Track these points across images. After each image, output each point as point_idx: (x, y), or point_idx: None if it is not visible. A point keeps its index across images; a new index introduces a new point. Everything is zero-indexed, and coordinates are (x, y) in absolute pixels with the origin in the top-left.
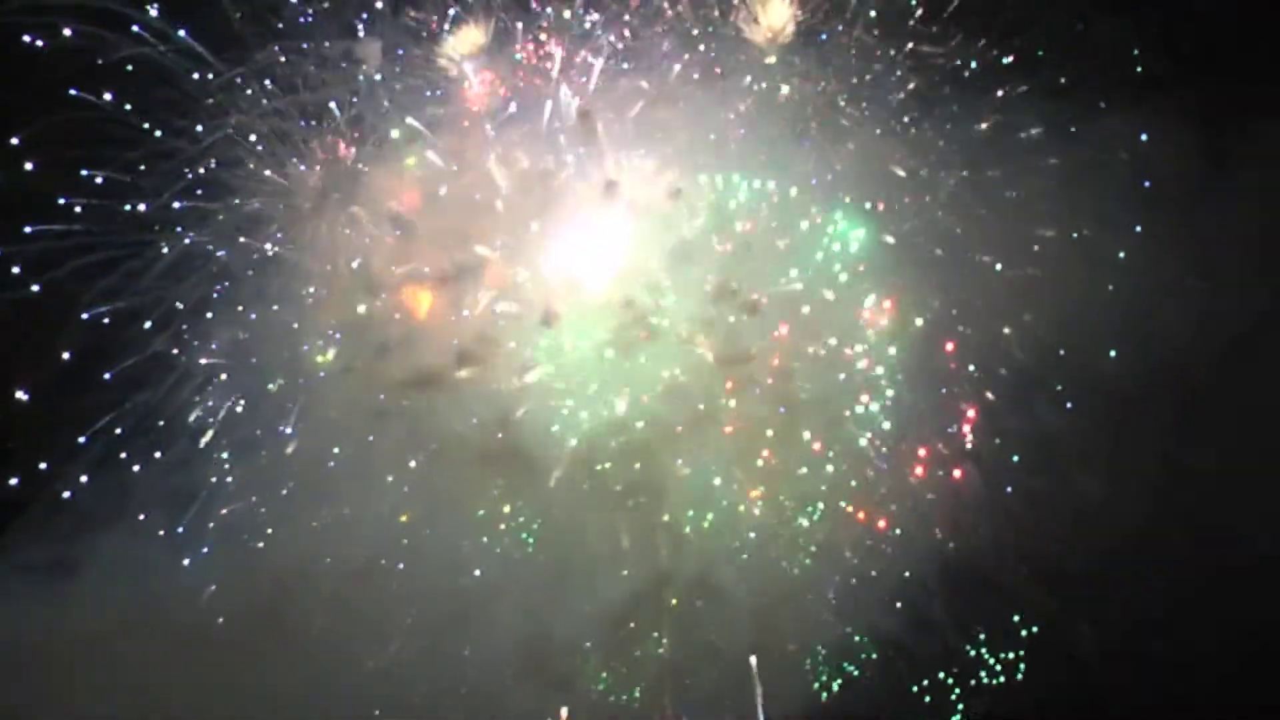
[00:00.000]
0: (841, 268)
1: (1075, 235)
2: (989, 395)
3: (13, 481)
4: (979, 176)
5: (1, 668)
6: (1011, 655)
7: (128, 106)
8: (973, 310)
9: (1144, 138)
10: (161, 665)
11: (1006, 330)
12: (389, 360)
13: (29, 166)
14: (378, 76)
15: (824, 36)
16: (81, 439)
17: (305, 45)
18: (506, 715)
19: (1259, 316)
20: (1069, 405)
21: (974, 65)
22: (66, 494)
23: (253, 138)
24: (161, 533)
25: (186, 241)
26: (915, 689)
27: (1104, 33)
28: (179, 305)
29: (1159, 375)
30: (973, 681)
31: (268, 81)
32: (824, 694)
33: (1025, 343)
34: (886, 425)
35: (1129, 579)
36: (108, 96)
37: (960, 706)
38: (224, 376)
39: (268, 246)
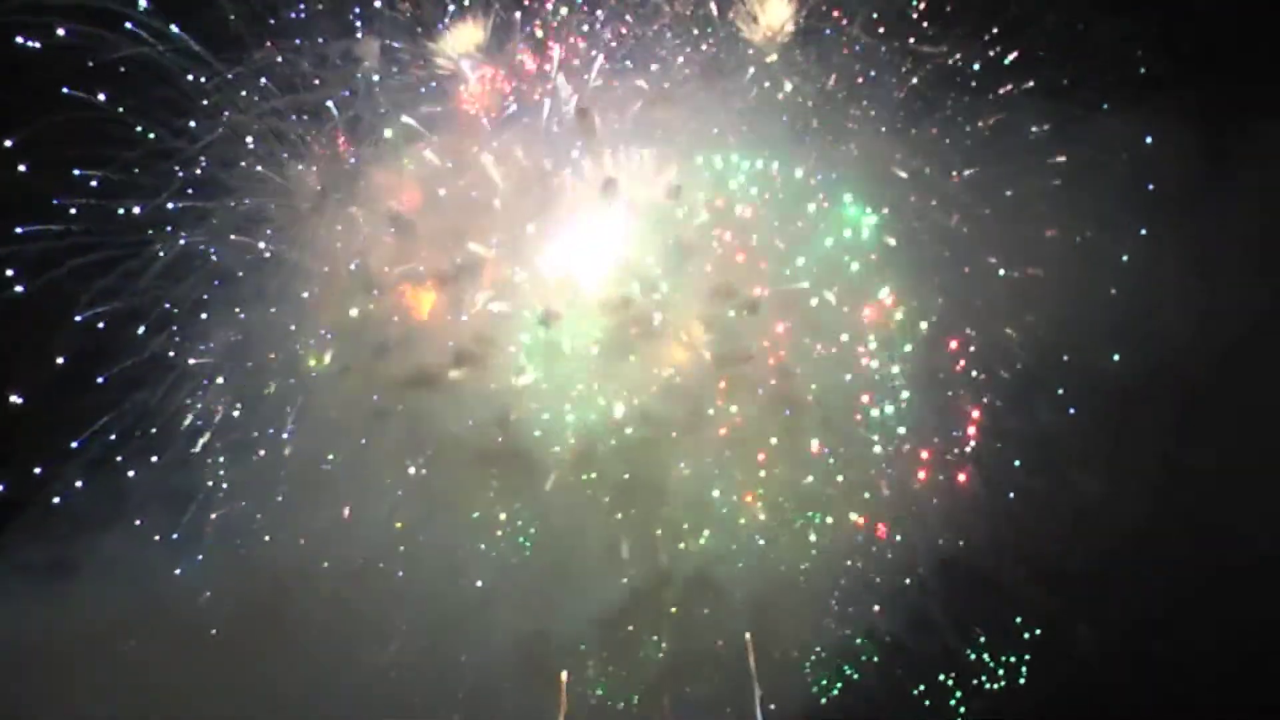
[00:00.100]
0: (842, 268)
1: (1075, 235)
2: (991, 396)
3: (10, 482)
4: (979, 177)
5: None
6: (1013, 658)
7: (120, 110)
8: (974, 311)
9: (1144, 138)
10: (158, 665)
11: (1008, 331)
12: (387, 360)
13: (27, 167)
14: (375, 77)
15: (829, 31)
16: (80, 439)
17: (299, 41)
18: (505, 717)
19: (1259, 316)
20: (1070, 405)
21: (974, 65)
22: (64, 495)
23: (249, 140)
24: (159, 533)
25: (182, 242)
26: (916, 691)
27: (1104, 33)
28: (177, 306)
29: (1159, 375)
30: (974, 682)
31: (264, 80)
32: (823, 698)
33: (1026, 343)
34: (888, 427)
35: (1129, 579)
36: (105, 96)
37: (961, 710)
38: (221, 379)
39: (264, 246)
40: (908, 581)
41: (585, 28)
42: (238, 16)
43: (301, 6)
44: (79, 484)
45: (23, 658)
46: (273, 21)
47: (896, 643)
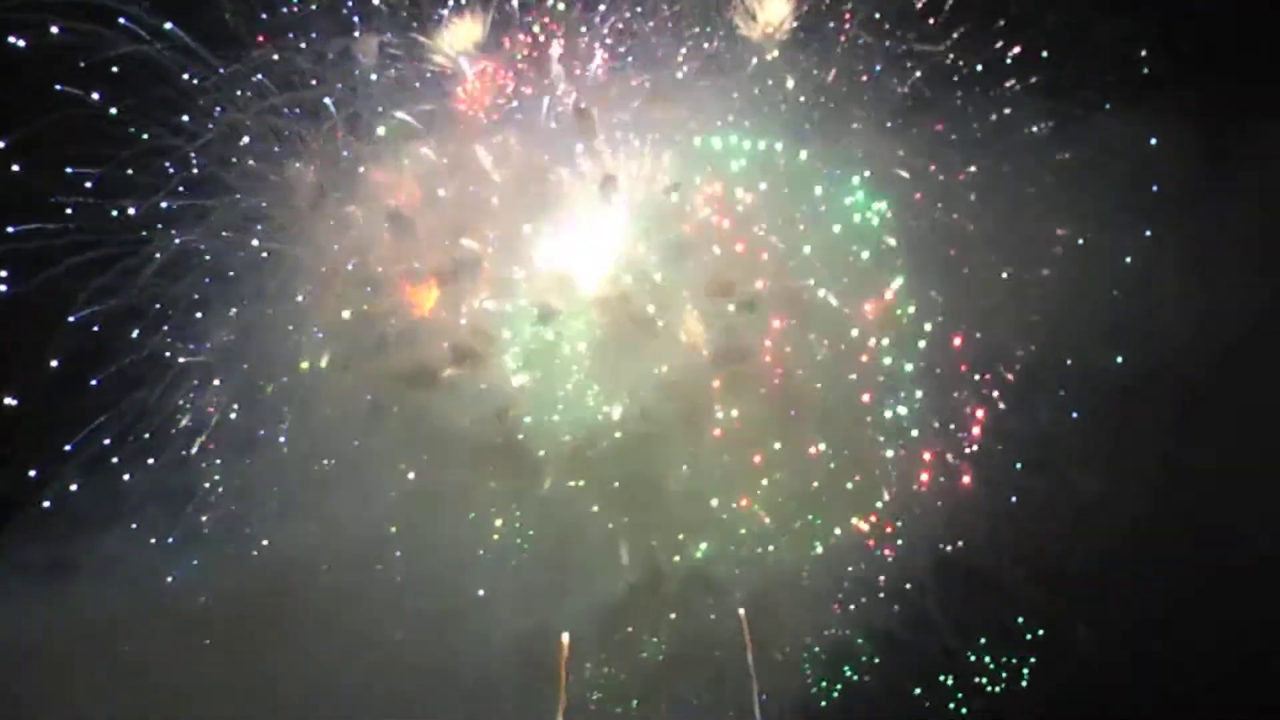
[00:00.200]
0: (845, 264)
1: (1075, 235)
2: (993, 396)
3: (7, 482)
4: (978, 176)
5: None
6: (1014, 659)
7: (116, 108)
8: (976, 310)
9: (1144, 138)
10: (156, 665)
11: (1009, 331)
12: (385, 357)
13: (23, 165)
14: (373, 77)
15: (832, 25)
16: (77, 439)
17: (291, 35)
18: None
19: (1259, 316)
20: (1070, 405)
21: (973, 64)
22: (61, 494)
23: (246, 139)
24: (157, 532)
25: (177, 241)
26: (916, 692)
27: (1104, 33)
28: (174, 304)
29: (1159, 375)
30: (976, 682)
31: (260, 76)
32: (823, 700)
33: (1029, 343)
34: (899, 428)
35: (1130, 579)
36: (101, 94)
37: (963, 711)
38: (218, 377)
39: (262, 244)
40: (909, 583)
41: (584, 29)
42: (235, 14)
43: (298, 4)
44: (76, 483)
45: (20, 657)
46: (265, 17)
47: (897, 643)
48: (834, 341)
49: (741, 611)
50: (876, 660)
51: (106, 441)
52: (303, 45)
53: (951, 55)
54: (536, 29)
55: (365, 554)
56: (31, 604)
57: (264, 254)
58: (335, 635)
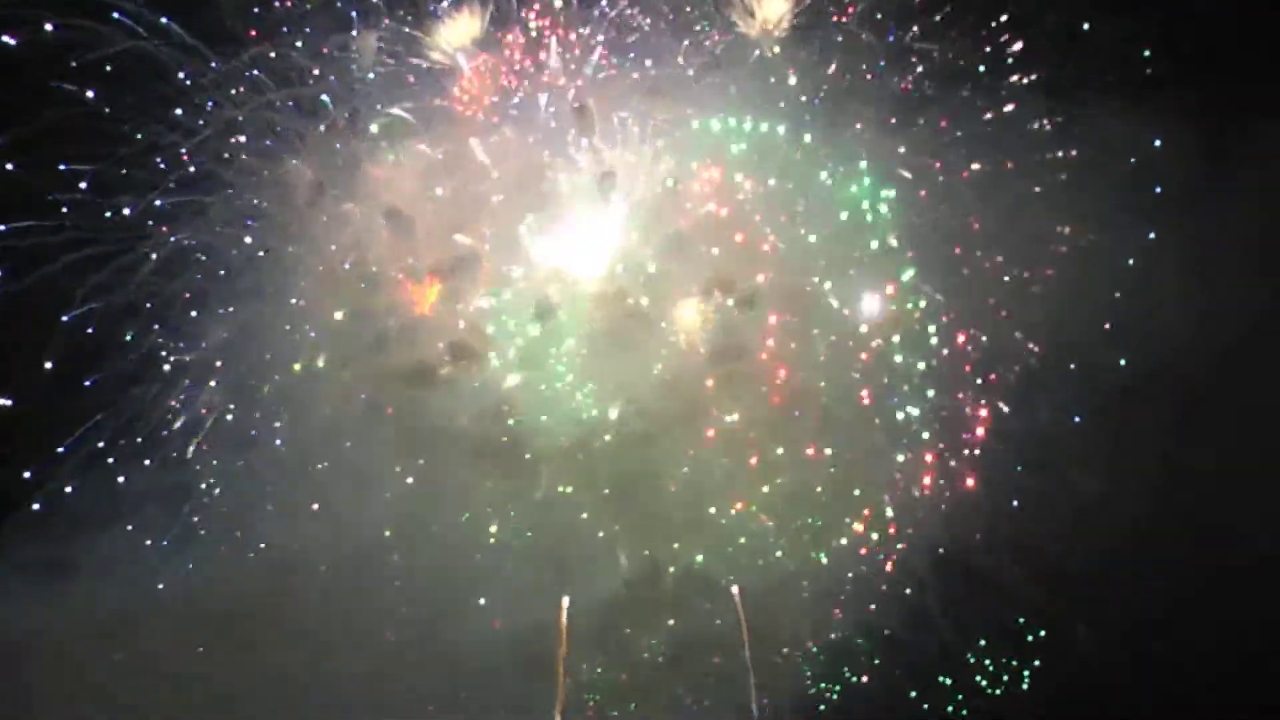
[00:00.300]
0: (843, 265)
1: (1075, 234)
2: (996, 397)
3: (5, 481)
4: (978, 175)
5: None
6: (1015, 661)
7: (113, 105)
8: (978, 310)
9: (1144, 137)
10: (154, 664)
11: (1012, 330)
12: (382, 355)
13: (20, 163)
14: (371, 76)
15: (832, 21)
16: (74, 437)
17: (287, 31)
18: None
19: (1259, 316)
20: (1072, 406)
21: (973, 63)
22: (58, 493)
23: (243, 137)
24: (153, 531)
25: (172, 240)
26: (916, 694)
27: (1104, 32)
28: (171, 302)
29: (1160, 375)
30: (977, 683)
31: (256, 72)
32: (822, 704)
33: (1031, 343)
34: (908, 429)
35: (1133, 580)
36: (97, 91)
37: (964, 713)
38: (215, 375)
39: (259, 241)
40: (911, 584)
41: (582, 26)
42: (232, 11)
43: (294, 1)
44: (73, 482)
45: (15, 656)
46: (259, 12)
47: (897, 645)
48: (837, 340)
49: (735, 590)
50: (876, 661)
51: (102, 441)
52: (298, 44)
53: (950, 54)
54: (534, 25)
55: (363, 553)
56: (26, 603)
57: (261, 252)
58: (332, 635)
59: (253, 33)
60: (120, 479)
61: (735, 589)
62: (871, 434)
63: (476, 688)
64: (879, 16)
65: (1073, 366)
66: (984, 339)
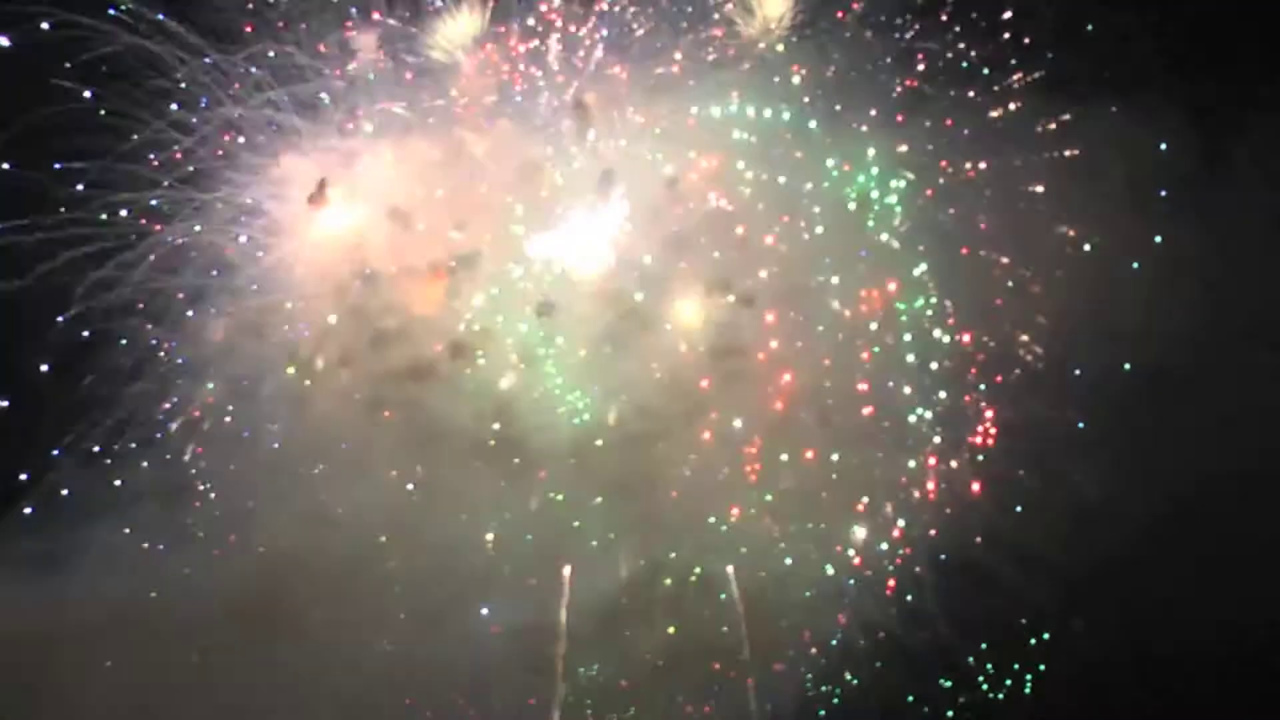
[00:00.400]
0: (847, 264)
1: (1074, 233)
2: (1003, 399)
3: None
4: (979, 173)
5: None
6: (1017, 665)
7: (111, 101)
8: (984, 309)
9: (1144, 136)
10: (152, 664)
11: (1012, 330)
12: (381, 353)
13: (19, 160)
14: (370, 76)
15: (837, 17)
16: (71, 434)
17: (282, 25)
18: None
19: (1260, 316)
20: (1076, 407)
21: (976, 61)
22: (54, 491)
23: (241, 136)
24: (150, 529)
25: (170, 239)
26: (917, 698)
27: (1103, 30)
28: (170, 299)
29: (1161, 375)
30: (979, 687)
31: (254, 69)
32: (822, 708)
33: (1036, 343)
34: (900, 431)
35: (1143, 586)
36: (96, 87)
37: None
38: (213, 372)
39: (257, 240)
40: (913, 588)
41: (584, 26)
42: (230, 6)
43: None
44: (69, 479)
45: (9, 656)
46: (251, 7)
47: (899, 649)
48: (840, 340)
49: (735, 585)
50: (878, 664)
51: (98, 440)
52: (298, 42)
53: (954, 52)
54: (532, 21)
55: (362, 554)
56: (19, 602)
57: (259, 252)
58: (329, 636)
59: (248, 27)
60: (117, 477)
61: (735, 588)
62: (877, 435)
63: (474, 691)
64: (882, 18)
65: (1082, 367)
66: (992, 342)
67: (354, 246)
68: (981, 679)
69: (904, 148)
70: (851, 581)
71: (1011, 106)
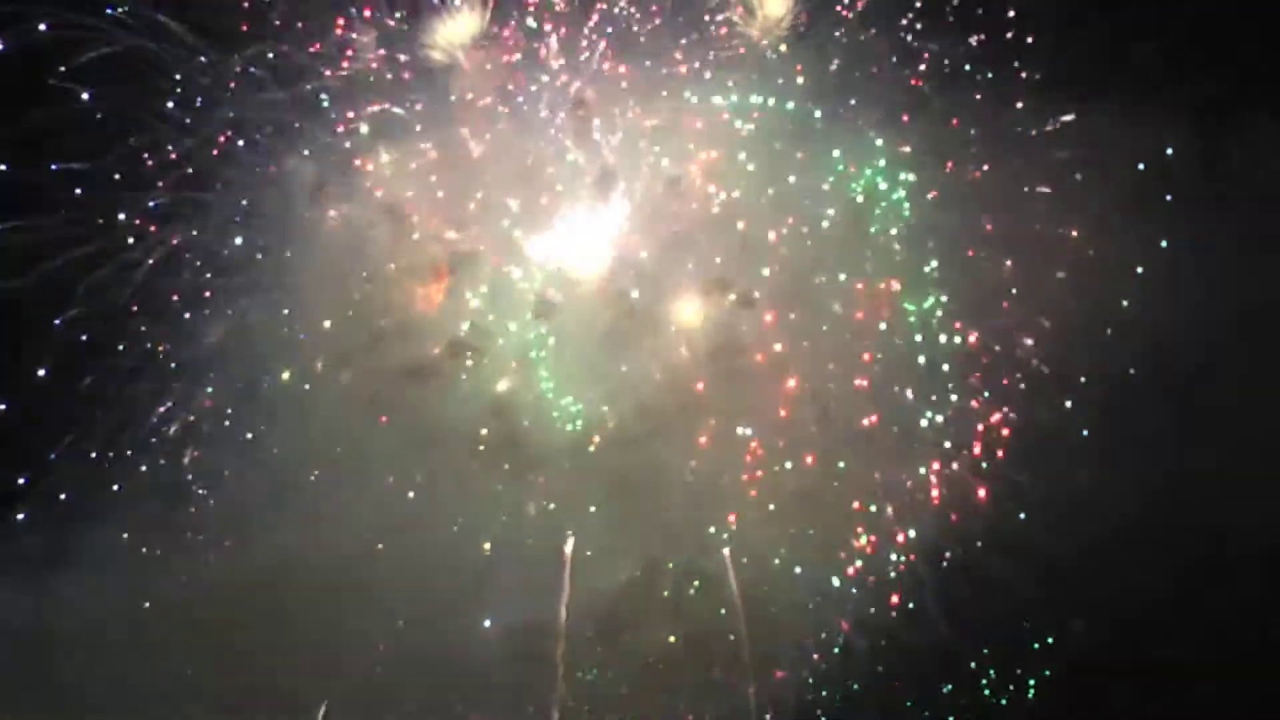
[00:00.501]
0: (848, 267)
1: (1075, 234)
2: (1009, 401)
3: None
4: (977, 174)
5: None
6: (1020, 670)
7: (104, 108)
8: (988, 310)
9: (1144, 136)
10: (150, 664)
11: (1017, 332)
12: (381, 353)
13: (18, 161)
14: (370, 76)
15: (840, 15)
16: (70, 435)
17: (279, 23)
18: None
19: (1259, 317)
20: (1081, 408)
21: (981, 61)
22: (54, 491)
23: (241, 137)
24: (150, 530)
25: (170, 240)
26: (917, 702)
27: (1103, 30)
28: (169, 300)
29: (1162, 376)
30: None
31: (253, 69)
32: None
33: (1040, 345)
34: (900, 435)
35: (1153, 595)
36: (96, 88)
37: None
38: (213, 374)
39: (256, 240)
40: (914, 591)
41: (584, 26)
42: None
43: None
44: (69, 480)
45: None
46: (250, 4)
47: (901, 654)
48: (843, 341)
49: (726, 552)
50: (879, 669)
51: (98, 442)
52: (297, 42)
53: (958, 52)
54: (531, 21)
55: (361, 555)
56: (17, 603)
57: (258, 254)
58: (328, 638)
59: (244, 26)
60: (116, 478)
61: (735, 591)
62: (880, 439)
63: (474, 692)
64: (884, 18)
65: (1086, 369)
66: (996, 344)
67: (353, 247)
68: (984, 682)
69: (907, 148)
70: (854, 590)
71: (1017, 107)
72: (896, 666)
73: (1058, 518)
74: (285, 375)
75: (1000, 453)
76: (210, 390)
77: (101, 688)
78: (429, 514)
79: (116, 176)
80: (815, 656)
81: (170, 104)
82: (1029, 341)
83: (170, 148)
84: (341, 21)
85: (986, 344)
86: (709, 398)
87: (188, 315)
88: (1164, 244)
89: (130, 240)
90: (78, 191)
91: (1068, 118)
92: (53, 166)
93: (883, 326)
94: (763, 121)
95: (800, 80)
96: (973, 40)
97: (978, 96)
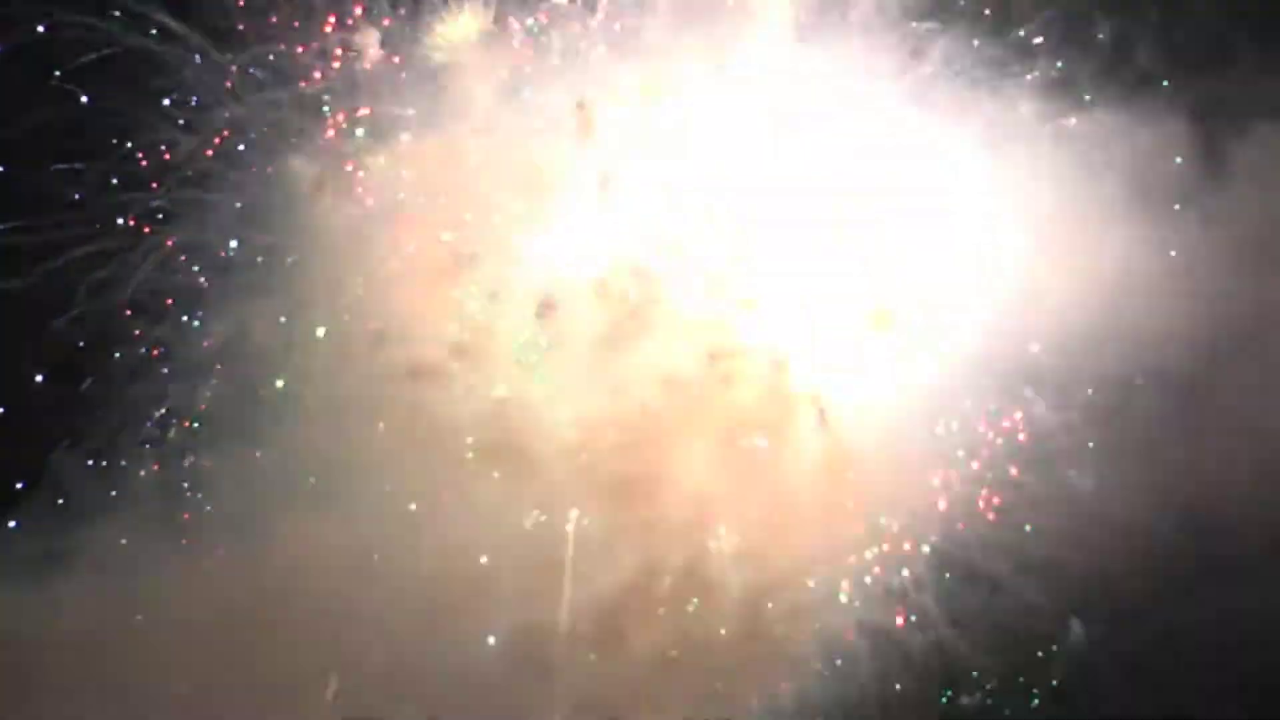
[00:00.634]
0: (851, 268)
1: (1075, 234)
2: (1010, 408)
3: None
4: (977, 175)
5: None
6: (1022, 677)
7: (105, 107)
8: (990, 316)
9: (1145, 137)
10: (149, 664)
11: (1024, 336)
12: (382, 354)
13: (20, 160)
14: (370, 76)
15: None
16: (71, 435)
17: (281, 25)
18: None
19: (1260, 317)
20: (1084, 408)
21: (971, 62)
22: (54, 491)
23: (242, 136)
24: (150, 530)
25: (170, 242)
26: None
27: (1104, 30)
28: (171, 300)
29: (1163, 376)
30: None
31: (254, 69)
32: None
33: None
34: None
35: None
36: (96, 88)
37: None
38: (214, 375)
39: (257, 240)
40: (920, 599)
41: (586, 27)
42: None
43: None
44: (68, 481)
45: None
46: (250, 4)
47: (903, 660)
48: (845, 343)
49: (727, 557)
50: (880, 673)
51: (97, 443)
52: (298, 42)
53: (956, 55)
54: (535, 23)
55: (360, 556)
56: (19, 604)
57: (258, 255)
58: (329, 637)
59: (248, 27)
60: (115, 479)
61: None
62: (884, 444)
63: (474, 694)
64: (888, 18)
65: (1094, 374)
66: (1002, 349)
67: (354, 248)
68: (989, 692)
69: (911, 148)
70: (858, 604)
71: (1020, 108)
72: (900, 678)
73: (1068, 527)
74: (284, 378)
75: (1009, 462)
76: (210, 393)
77: (98, 693)
78: (430, 516)
79: (115, 178)
80: (817, 666)
81: (171, 104)
82: (1035, 348)
83: (170, 148)
84: (342, 21)
85: (993, 349)
86: (710, 400)
87: (185, 318)
88: (1178, 245)
89: (130, 241)
90: (79, 187)
91: (1071, 120)
92: (55, 167)
93: (887, 330)
94: (766, 120)
95: (804, 81)
96: (977, 41)
97: (981, 96)
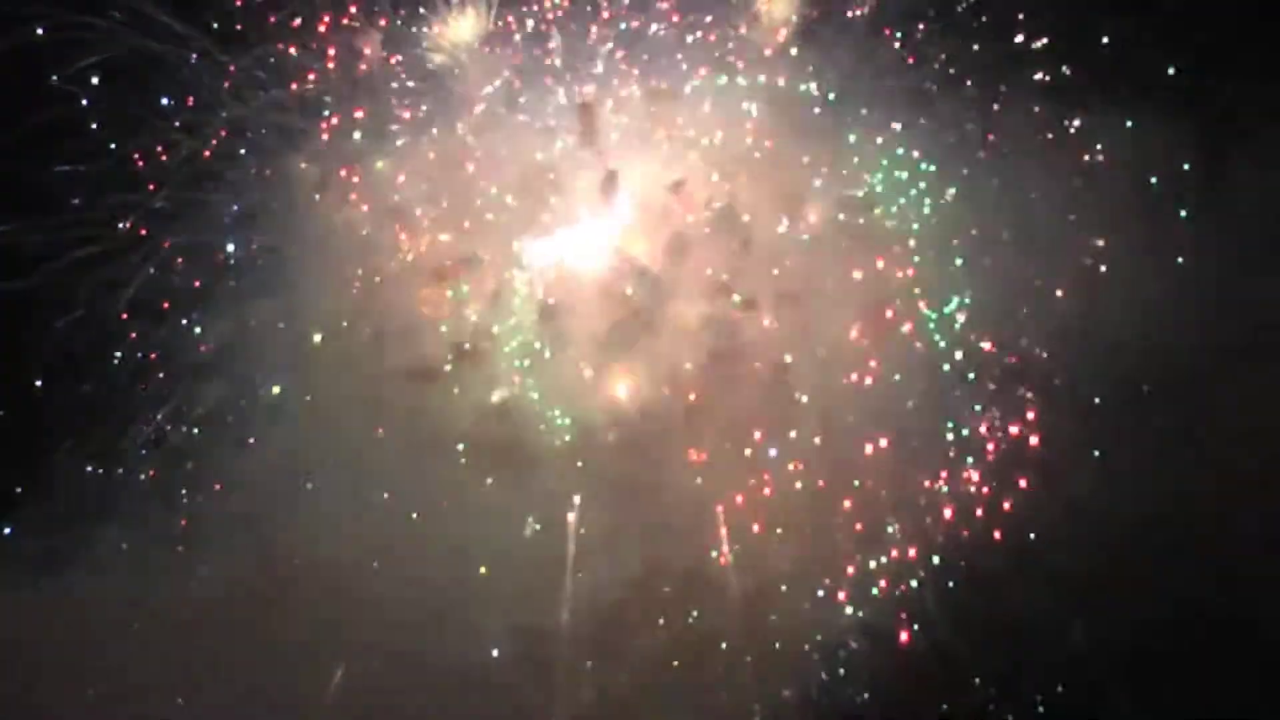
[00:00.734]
0: (854, 270)
1: (1077, 236)
2: (1015, 412)
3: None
4: (979, 176)
5: None
6: (1025, 684)
7: (107, 107)
8: (994, 320)
9: (1145, 137)
10: (148, 664)
11: (1029, 342)
12: (383, 355)
13: (21, 160)
14: (371, 76)
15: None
16: (72, 435)
17: (282, 25)
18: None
19: (1260, 317)
20: (1087, 410)
21: (989, 63)
22: (56, 492)
23: (244, 136)
24: (151, 530)
25: (171, 243)
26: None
27: (1105, 32)
28: (173, 301)
29: (1164, 376)
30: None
31: (254, 70)
32: None
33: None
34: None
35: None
36: (97, 88)
37: None
38: (215, 376)
39: (258, 241)
40: (924, 606)
41: (589, 27)
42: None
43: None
44: (68, 482)
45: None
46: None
47: (906, 666)
48: (847, 345)
49: (729, 561)
50: (882, 678)
51: (98, 444)
52: (298, 42)
53: (960, 56)
54: (537, 23)
55: (361, 557)
56: (20, 604)
57: (258, 256)
58: (330, 638)
59: (239, 26)
60: (116, 480)
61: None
62: (887, 449)
63: (473, 695)
64: (893, 20)
65: (1098, 379)
66: (1008, 354)
67: (354, 249)
68: (990, 691)
69: (918, 153)
70: (862, 613)
71: (1023, 111)
72: (903, 682)
73: (1076, 532)
74: (285, 379)
75: (1013, 467)
76: (214, 388)
77: (98, 694)
78: (430, 516)
79: (115, 179)
80: (820, 671)
81: (172, 104)
82: (1043, 354)
83: (170, 149)
84: (343, 21)
85: (999, 353)
86: (712, 402)
87: (184, 320)
88: (1188, 251)
89: (129, 242)
90: (79, 188)
91: (1076, 123)
92: (55, 167)
93: (888, 333)
94: (769, 122)
95: (808, 83)
96: (982, 43)
97: (984, 99)
